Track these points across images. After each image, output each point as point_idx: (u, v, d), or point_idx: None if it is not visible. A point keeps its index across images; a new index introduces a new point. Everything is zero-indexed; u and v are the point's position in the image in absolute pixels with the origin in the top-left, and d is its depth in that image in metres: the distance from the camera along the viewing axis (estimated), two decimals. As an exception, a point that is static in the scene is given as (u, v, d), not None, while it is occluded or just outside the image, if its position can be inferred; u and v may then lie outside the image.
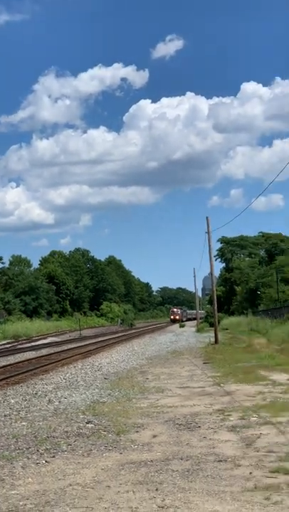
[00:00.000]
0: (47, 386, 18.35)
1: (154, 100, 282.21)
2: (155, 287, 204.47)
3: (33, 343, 46.58)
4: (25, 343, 47.88)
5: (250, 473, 7.90)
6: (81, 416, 12.67)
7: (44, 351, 35.99)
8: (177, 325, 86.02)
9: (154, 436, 10.55)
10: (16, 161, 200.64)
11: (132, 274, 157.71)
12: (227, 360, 23.70)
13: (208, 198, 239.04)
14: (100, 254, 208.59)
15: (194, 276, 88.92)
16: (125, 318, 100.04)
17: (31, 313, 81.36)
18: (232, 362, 22.89)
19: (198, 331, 61.65)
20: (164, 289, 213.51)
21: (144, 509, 6.67)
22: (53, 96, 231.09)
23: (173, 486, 7.48)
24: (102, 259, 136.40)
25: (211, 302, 57.54)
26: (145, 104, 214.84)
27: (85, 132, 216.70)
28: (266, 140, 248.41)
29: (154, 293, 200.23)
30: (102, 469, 8.46)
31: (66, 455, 9.40)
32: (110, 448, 9.78)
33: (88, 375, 21.14)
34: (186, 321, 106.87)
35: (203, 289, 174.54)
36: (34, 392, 17.04)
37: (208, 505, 6.69)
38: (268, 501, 6.74)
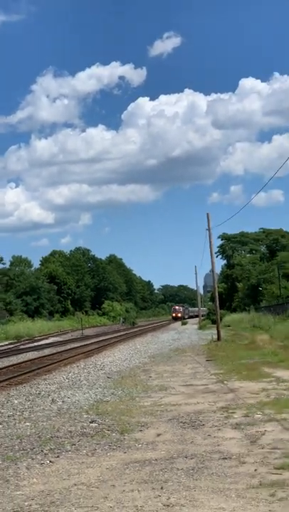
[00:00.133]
0: (50, 386, 18.34)
1: (152, 98, 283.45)
2: (157, 285, 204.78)
3: (35, 343, 46.58)
4: (28, 343, 47.88)
5: (255, 470, 7.89)
6: (85, 415, 12.66)
7: (46, 351, 35.98)
8: (179, 323, 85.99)
9: (158, 434, 10.54)
10: (15, 161, 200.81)
11: (133, 272, 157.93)
12: (230, 357, 23.68)
13: (208, 195, 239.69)
14: (101, 253, 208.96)
15: (196, 274, 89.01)
16: (127, 317, 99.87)
17: (33, 314, 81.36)
18: (235, 359, 22.87)
19: (200, 328, 61.64)
20: (165, 287, 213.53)
21: (150, 508, 6.66)
22: (51, 96, 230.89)
23: (178, 485, 7.47)
24: (103, 258, 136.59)
25: (212, 299, 57.53)
26: (143, 101, 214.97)
27: (83, 131, 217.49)
28: (265, 136, 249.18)
29: (156, 291, 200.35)
30: (107, 468, 8.45)
31: (70, 455, 9.39)
32: (114, 447, 9.77)
33: (91, 375, 21.14)
34: (188, 318, 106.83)
35: (204, 286, 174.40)
36: (37, 392, 17.03)
37: (214, 503, 6.68)
38: (273, 498, 6.73)
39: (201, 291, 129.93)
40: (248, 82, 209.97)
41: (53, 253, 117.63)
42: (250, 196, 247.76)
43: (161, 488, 7.36)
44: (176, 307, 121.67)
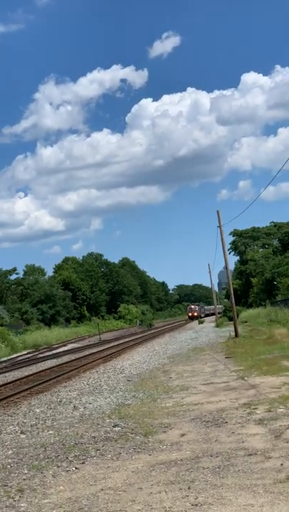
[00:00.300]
0: (71, 393, 18.36)
1: (155, 98, 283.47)
2: (171, 285, 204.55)
3: (53, 351, 46.69)
4: (46, 351, 47.99)
5: (282, 464, 7.86)
6: (107, 420, 12.66)
7: (65, 358, 36.05)
8: (196, 322, 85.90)
9: (182, 435, 10.52)
10: (22, 170, 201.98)
11: (147, 274, 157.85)
12: (249, 353, 23.60)
13: (217, 192, 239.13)
14: (114, 257, 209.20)
15: (209, 272, 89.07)
16: (144, 319, 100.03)
17: (49, 322, 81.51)
18: (254, 354, 22.79)
19: (217, 326, 61.52)
20: (180, 287, 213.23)
21: (178, 508, 6.65)
22: (54, 103, 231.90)
23: (205, 484, 7.45)
24: (116, 262, 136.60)
25: (228, 296, 57.40)
26: (146, 103, 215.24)
27: (88, 136, 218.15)
28: (270, 129, 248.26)
29: (171, 291, 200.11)
30: (133, 472, 8.45)
31: (95, 460, 9.40)
32: (139, 450, 9.76)
33: (111, 379, 21.15)
34: (205, 317, 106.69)
35: (219, 284, 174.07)
36: (58, 399, 17.06)
37: (242, 500, 6.66)
38: (301, 492, 6.69)
39: (216, 288, 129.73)
40: (250, 77, 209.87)
41: (66, 260, 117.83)
42: (259, 191, 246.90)
43: (189, 488, 7.34)
44: (192, 306, 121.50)
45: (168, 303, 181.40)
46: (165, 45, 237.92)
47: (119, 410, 13.76)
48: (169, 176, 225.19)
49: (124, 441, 10.45)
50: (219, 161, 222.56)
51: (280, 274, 67.97)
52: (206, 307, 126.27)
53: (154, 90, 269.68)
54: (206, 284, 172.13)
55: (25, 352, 49.14)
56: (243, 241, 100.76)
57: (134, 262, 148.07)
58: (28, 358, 41.75)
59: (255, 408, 11.91)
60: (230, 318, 47.91)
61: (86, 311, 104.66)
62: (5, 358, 42.14)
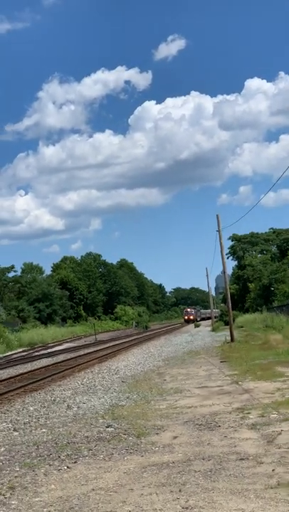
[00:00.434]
0: (65, 392, 18.37)
1: (159, 101, 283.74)
2: (168, 288, 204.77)
3: (49, 350, 46.66)
4: (41, 350, 47.97)
5: (273, 470, 7.87)
6: (100, 420, 12.67)
7: (60, 357, 36.03)
8: (192, 325, 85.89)
9: (175, 437, 10.53)
10: (23, 168, 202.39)
11: (145, 276, 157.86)
12: (244, 358, 23.62)
13: (218, 196, 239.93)
14: (112, 258, 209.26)
15: (207, 276, 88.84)
16: (140, 321, 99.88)
17: (46, 320, 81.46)
18: (249, 359, 22.81)
19: (213, 330, 61.53)
20: (177, 290, 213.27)
21: (168, 511, 6.66)
22: (58, 102, 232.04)
23: (196, 487, 7.46)
24: (114, 263, 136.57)
25: (224, 300, 57.42)
26: (150, 105, 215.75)
27: (90, 136, 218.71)
28: (272, 135, 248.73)
29: (168, 294, 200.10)
30: (125, 473, 8.45)
31: (88, 460, 9.40)
32: (131, 451, 9.77)
33: (106, 379, 21.15)
34: (201, 320, 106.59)
35: (216, 288, 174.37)
36: (52, 398, 17.06)
37: (233, 504, 6.67)
38: (292, 498, 6.70)
39: (213, 292, 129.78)
40: (253, 83, 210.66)
41: (64, 259, 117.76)
42: (260, 196, 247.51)
43: (180, 490, 7.35)
44: (188, 309, 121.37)
45: (164, 305, 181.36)
46: (170, 48, 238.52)
47: (112, 411, 13.77)
48: (170, 179, 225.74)
49: (117, 442, 10.46)
50: (220, 165, 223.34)
51: (277, 280, 68.01)
52: (202, 311, 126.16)
53: (158, 93, 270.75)
54: (203, 287, 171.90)
55: (20, 350, 49.12)
56: (241, 246, 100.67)
57: (132, 263, 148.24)
58: (23, 356, 41.73)
59: (249, 413, 11.93)
60: (227, 323, 47.91)
61: (83, 311, 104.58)
62: (0, 356, 42.12)
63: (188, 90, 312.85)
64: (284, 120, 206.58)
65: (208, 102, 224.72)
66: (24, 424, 13.11)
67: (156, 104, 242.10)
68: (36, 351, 46.45)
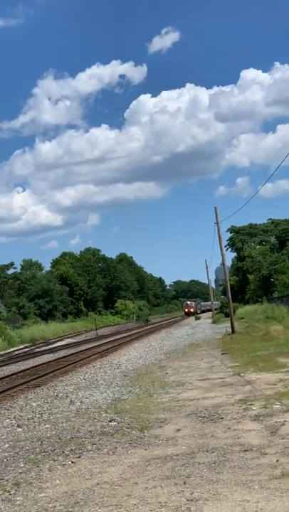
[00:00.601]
0: (67, 387, 18.39)
1: (154, 94, 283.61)
2: (168, 281, 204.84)
3: (50, 346, 46.72)
4: (43, 346, 48.03)
5: (277, 460, 7.88)
6: (103, 415, 12.69)
7: (62, 353, 36.07)
8: (193, 318, 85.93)
9: (178, 430, 10.55)
10: (20, 165, 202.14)
11: (144, 269, 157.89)
12: (245, 350, 23.63)
13: (215, 189, 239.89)
14: (111, 252, 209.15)
15: (206, 268, 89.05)
16: (140, 315, 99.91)
17: (46, 316, 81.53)
18: (250, 351, 22.83)
19: (214, 322, 61.57)
20: (177, 283, 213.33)
21: (173, 503, 6.67)
22: (53, 98, 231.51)
23: (200, 479, 7.47)
24: (113, 257, 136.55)
25: (224, 292, 57.46)
26: (145, 99, 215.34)
27: (87, 132, 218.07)
28: (269, 126, 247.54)
29: (168, 287, 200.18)
30: (129, 466, 8.47)
31: (92, 454, 9.42)
32: (135, 445, 9.79)
33: (108, 374, 21.17)
34: (201, 313, 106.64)
35: (216, 280, 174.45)
36: (55, 394, 17.08)
37: (237, 496, 6.69)
38: (296, 488, 6.71)
39: (213, 284, 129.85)
40: (249, 74, 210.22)
41: (63, 255, 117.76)
42: (257, 188, 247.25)
43: (184, 483, 7.36)
44: (188, 302, 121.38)
45: (165, 299, 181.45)
46: (164, 40, 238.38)
47: (115, 405, 13.79)
48: (167, 172, 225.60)
49: (120, 436, 10.48)
50: (217, 157, 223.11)
51: (276, 271, 68.08)
52: (202, 303, 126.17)
53: (153, 86, 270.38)
54: (203, 280, 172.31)
55: (22, 346, 49.18)
56: (240, 238, 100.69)
57: (131, 257, 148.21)
58: (25, 352, 41.78)
59: (251, 404, 11.94)
60: (227, 315, 47.95)
61: (83, 306, 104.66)
62: (2, 352, 42.18)
63: (184, 83, 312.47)
64: (280, 110, 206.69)
65: (203, 94, 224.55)
66: (28, 420, 13.13)
67: (152, 97, 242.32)
68: (38, 347, 46.51)
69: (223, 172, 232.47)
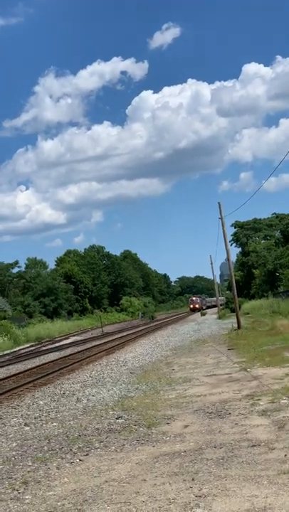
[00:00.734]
0: (74, 385, 18.41)
1: (156, 90, 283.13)
2: (173, 278, 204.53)
3: (56, 344, 46.75)
4: (49, 344, 48.07)
5: (285, 455, 7.87)
6: (111, 412, 12.69)
7: (68, 351, 36.11)
8: (198, 314, 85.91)
9: (186, 426, 10.54)
10: (23, 164, 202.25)
11: (149, 266, 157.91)
12: (251, 345, 23.62)
13: (219, 184, 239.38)
14: (115, 250, 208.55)
15: (211, 264, 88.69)
16: (146, 311, 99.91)
17: (52, 315, 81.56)
18: (256, 346, 22.81)
19: (219, 317, 61.55)
20: (182, 279, 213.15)
21: (182, 500, 6.66)
22: (55, 96, 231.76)
23: (209, 475, 7.46)
24: (118, 254, 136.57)
25: (230, 288, 57.40)
26: (147, 95, 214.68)
27: (89, 129, 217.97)
28: (271, 120, 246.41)
29: (173, 283, 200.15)
30: (137, 463, 8.46)
31: (99, 452, 9.42)
32: (143, 442, 9.78)
33: (114, 371, 21.18)
34: (206, 308, 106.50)
35: (221, 276, 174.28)
36: (62, 392, 17.10)
37: (246, 491, 6.67)
38: (305, 482, 6.70)
39: (218, 280, 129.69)
40: (251, 68, 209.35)
41: (68, 253, 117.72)
42: (261, 182, 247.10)
43: (193, 479, 7.35)
44: (194, 298, 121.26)
45: (170, 295, 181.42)
46: (165, 36, 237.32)
47: (122, 402, 13.79)
48: (170, 168, 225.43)
49: (128, 433, 10.48)
50: (220, 152, 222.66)
51: (282, 265, 67.93)
52: (207, 299, 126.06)
53: (155, 82, 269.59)
54: (208, 276, 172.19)
55: (28, 345, 49.24)
56: (244, 233, 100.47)
57: (135, 254, 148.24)
58: (31, 350, 41.83)
59: (259, 399, 11.92)
60: (233, 310, 47.92)
61: (88, 304, 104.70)
62: (8, 351, 42.24)
63: (185, 78, 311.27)
64: (282, 104, 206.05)
65: (205, 89, 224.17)
66: (35, 418, 13.14)
67: (154, 93, 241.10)
68: (44, 346, 46.57)
69: (226, 167, 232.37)
